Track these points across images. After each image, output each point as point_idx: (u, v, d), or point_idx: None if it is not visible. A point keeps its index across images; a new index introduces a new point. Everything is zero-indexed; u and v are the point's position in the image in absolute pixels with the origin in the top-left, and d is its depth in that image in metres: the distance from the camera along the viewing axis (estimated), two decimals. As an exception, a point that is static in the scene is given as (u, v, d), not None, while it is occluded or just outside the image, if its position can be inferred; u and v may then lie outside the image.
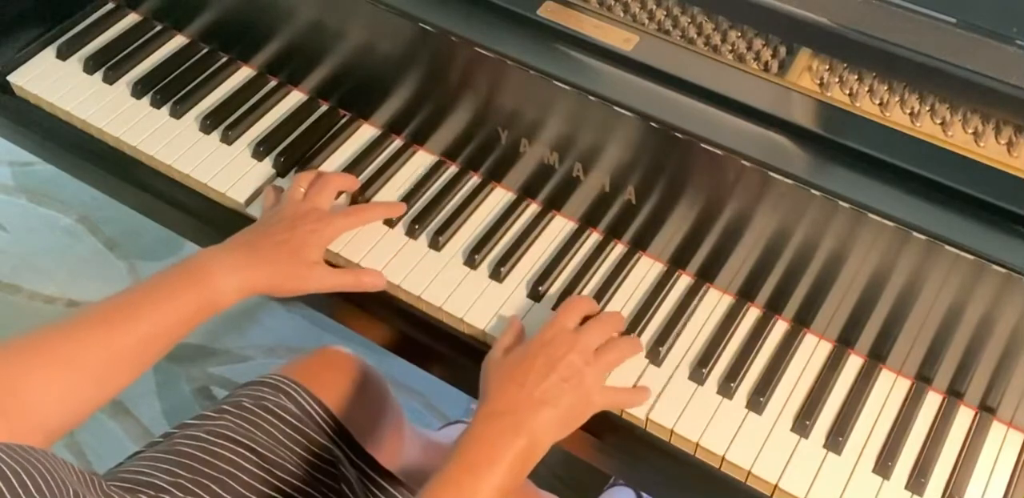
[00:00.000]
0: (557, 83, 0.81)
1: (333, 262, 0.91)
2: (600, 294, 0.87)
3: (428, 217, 0.93)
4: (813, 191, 0.74)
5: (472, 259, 0.90)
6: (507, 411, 0.74)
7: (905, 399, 0.83)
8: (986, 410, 0.82)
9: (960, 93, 0.75)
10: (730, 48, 0.81)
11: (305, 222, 0.86)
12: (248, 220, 0.93)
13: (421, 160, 0.98)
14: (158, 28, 1.07)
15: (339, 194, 0.94)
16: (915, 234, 0.72)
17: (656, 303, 0.87)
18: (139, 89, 1.02)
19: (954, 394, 0.82)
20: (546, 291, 0.88)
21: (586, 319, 0.84)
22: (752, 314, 0.87)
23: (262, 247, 0.83)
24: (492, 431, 0.73)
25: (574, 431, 0.84)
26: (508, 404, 0.74)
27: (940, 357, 0.80)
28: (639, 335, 0.85)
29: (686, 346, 0.85)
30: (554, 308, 0.87)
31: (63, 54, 1.05)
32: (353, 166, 0.96)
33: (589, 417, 0.78)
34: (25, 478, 0.57)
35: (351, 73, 0.97)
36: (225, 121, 0.99)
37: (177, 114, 1.01)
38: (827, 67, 0.80)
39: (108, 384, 0.73)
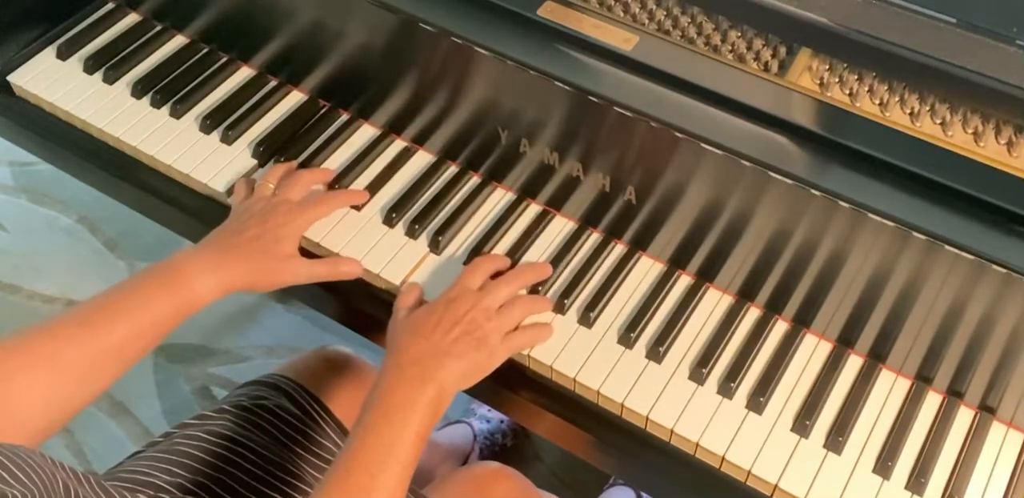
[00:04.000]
0: (557, 83, 0.81)
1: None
2: (600, 294, 0.87)
3: (428, 217, 0.92)
4: (813, 191, 0.74)
5: (472, 259, 0.90)
6: (415, 362, 0.78)
7: (905, 399, 0.83)
8: (986, 410, 0.82)
9: (960, 93, 0.75)
10: (730, 48, 0.81)
11: (276, 215, 0.86)
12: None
13: (421, 160, 0.98)
14: (158, 28, 1.07)
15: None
16: (915, 234, 0.72)
17: (656, 303, 0.87)
18: (139, 89, 1.02)
19: (954, 394, 0.82)
20: (547, 291, 0.88)
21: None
22: (752, 314, 0.87)
23: (235, 245, 0.84)
24: (403, 381, 0.77)
25: (573, 431, 0.84)
26: (416, 356, 0.78)
27: (940, 357, 0.80)
28: (638, 335, 0.85)
29: (686, 346, 0.85)
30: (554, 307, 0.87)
31: (63, 54, 1.05)
32: (353, 166, 0.96)
33: (494, 369, 0.81)
34: (13, 469, 0.57)
35: (351, 73, 0.97)
36: (225, 121, 0.99)
37: (177, 114, 1.01)
38: (827, 67, 0.80)
39: (90, 384, 0.74)
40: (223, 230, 0.86)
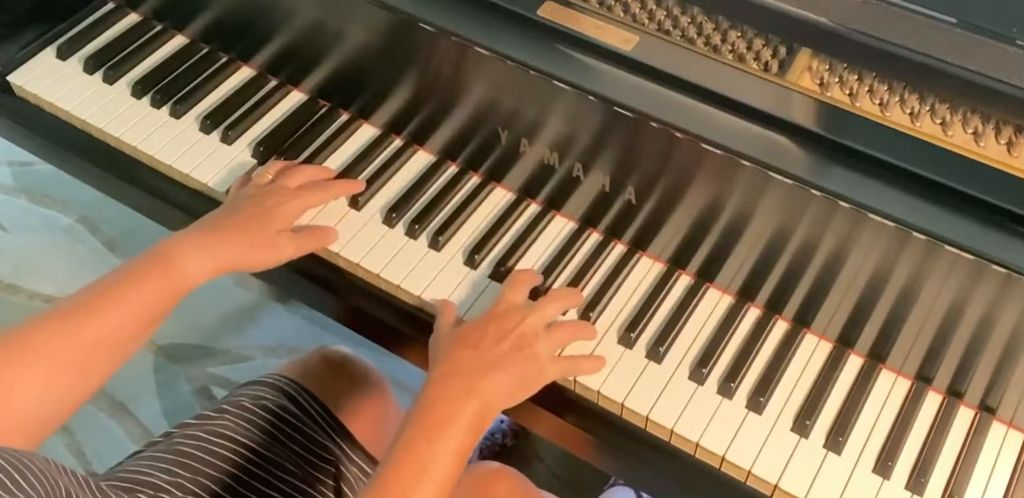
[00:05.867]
0: (557, 83, 0.81)
1: (333, 262, 0.91)
2: (600, 294, 0.87)
3: (428, 217, 0.92)
4: (813, 191, 0.74)
5: (472, 259, 0.90)
6: (460, 373, 0.75)
7: (905, 399, 0.83)
8: (986, 410, 0.82)
9: (960, 93, 0.75)
10: (730, 48, 0.81)
11: (271, 197, 0.86)
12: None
13: (421, 160, 0.98)
14: (158, 28, 1.07)
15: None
16: (915, 234, 0.72)
17: (656, 303, 0.87)
18: (139, 89, 1.02)
19: (954, 394, 0.82)
20: (547, 291, 0.88)
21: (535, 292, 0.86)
22: (752, 314, 0.87)
23: (229, 224, 0.83)
24: (446, 394, 0.74)
25: (573, 431, 0.84)
26: (461, 367, 0.75)
27: (940, 357, 0.80)
28: (638, 335, 0.85)
29: (686, 346, 0.85)
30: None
31: (63, 54, 1.05)
32: (353, 166, 0.96)
33: (539, 388, 0.79)
34: (17, 477, 0.57)
35: (351, 73, 0.97)
36: (225, 121, 0.99)
37: (177, 114, 1.01)
38: (827, 67, 0.80)
39: (88, 375, 0.73)
40: (218, 211, 0.86)
